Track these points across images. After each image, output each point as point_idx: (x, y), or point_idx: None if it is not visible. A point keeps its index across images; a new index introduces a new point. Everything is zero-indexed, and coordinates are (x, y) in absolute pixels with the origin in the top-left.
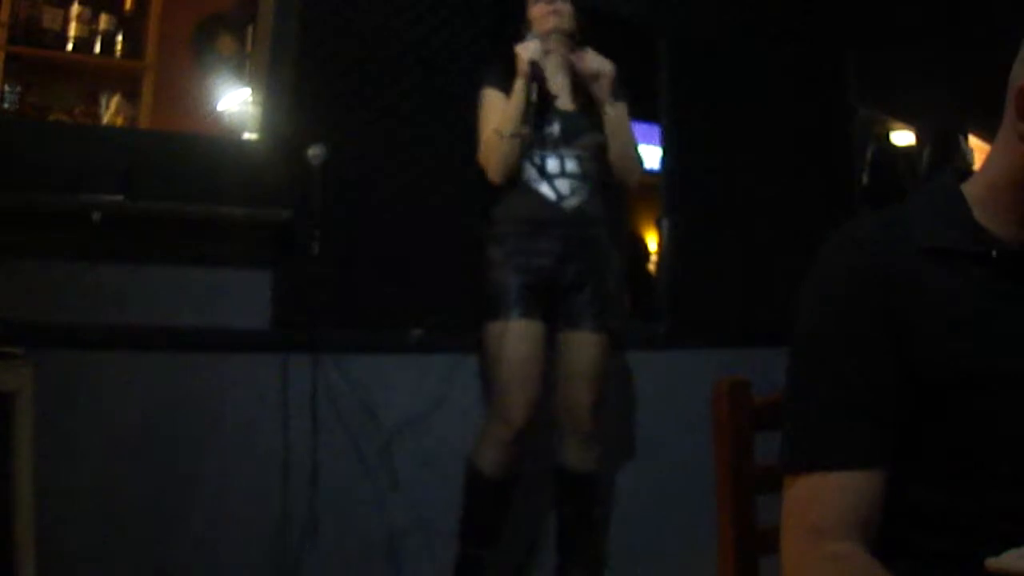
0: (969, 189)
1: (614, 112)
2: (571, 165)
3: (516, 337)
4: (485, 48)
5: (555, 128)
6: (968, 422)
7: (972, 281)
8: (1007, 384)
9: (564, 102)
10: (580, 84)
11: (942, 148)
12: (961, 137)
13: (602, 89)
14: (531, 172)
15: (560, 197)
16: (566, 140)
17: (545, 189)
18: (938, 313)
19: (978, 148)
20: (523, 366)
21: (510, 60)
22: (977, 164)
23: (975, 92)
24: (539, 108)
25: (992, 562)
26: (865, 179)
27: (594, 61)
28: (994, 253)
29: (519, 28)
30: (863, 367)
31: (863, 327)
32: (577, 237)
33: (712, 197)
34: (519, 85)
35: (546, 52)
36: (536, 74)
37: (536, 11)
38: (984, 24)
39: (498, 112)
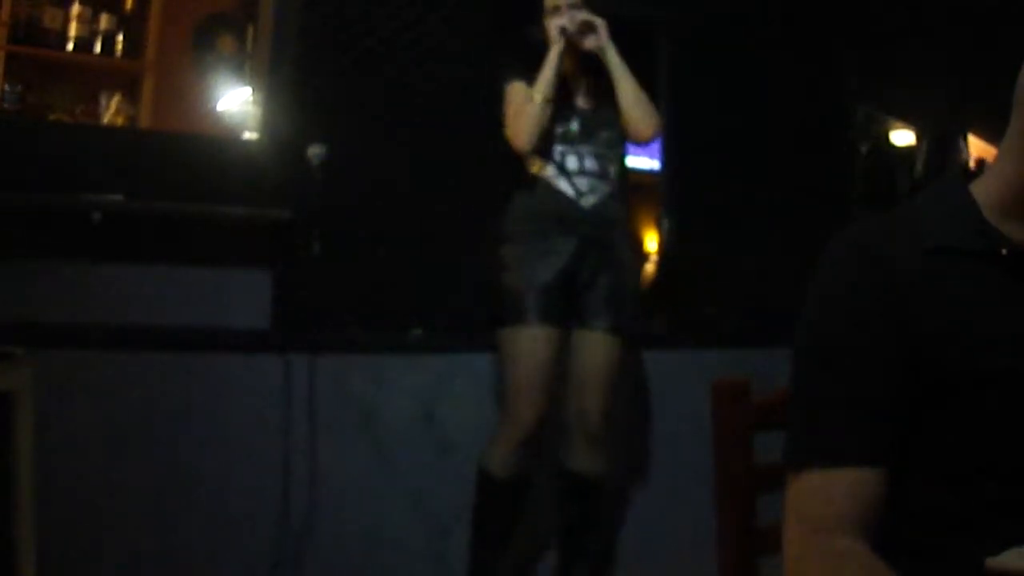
0: (978, 189)
1: (618, 57)
2: (590, 163)
3: (533, 342)
4: (486, 46)
5: (574, 125)
6: (972, 421)
7: (980, 280)
8: (1013, 383)
9: (582, 101)
10: (596, 83)
11: (940, 149)
12: (960, 138)
13: (600, 37)
14: (550, 169)
15: (579, 194)
16: (585, 137)
17: (564, 186)
18: (945, 312)
19: (978, 148)
20: (538, 371)
21: (525, 53)
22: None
23: (975, 92)
24: (559, 105)
25: (992, 561)
26: (859, 180)
27: (587, 16)
28: (1004, 252)
29: (530, 26)
30: (867, 365)
31: (868, 326)
32: (595, 235)
33: (712, 197)
34: (553, 52)
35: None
36: (569, 39)
37: (548, 11)
38: (984, 24)
39: (521, 94)
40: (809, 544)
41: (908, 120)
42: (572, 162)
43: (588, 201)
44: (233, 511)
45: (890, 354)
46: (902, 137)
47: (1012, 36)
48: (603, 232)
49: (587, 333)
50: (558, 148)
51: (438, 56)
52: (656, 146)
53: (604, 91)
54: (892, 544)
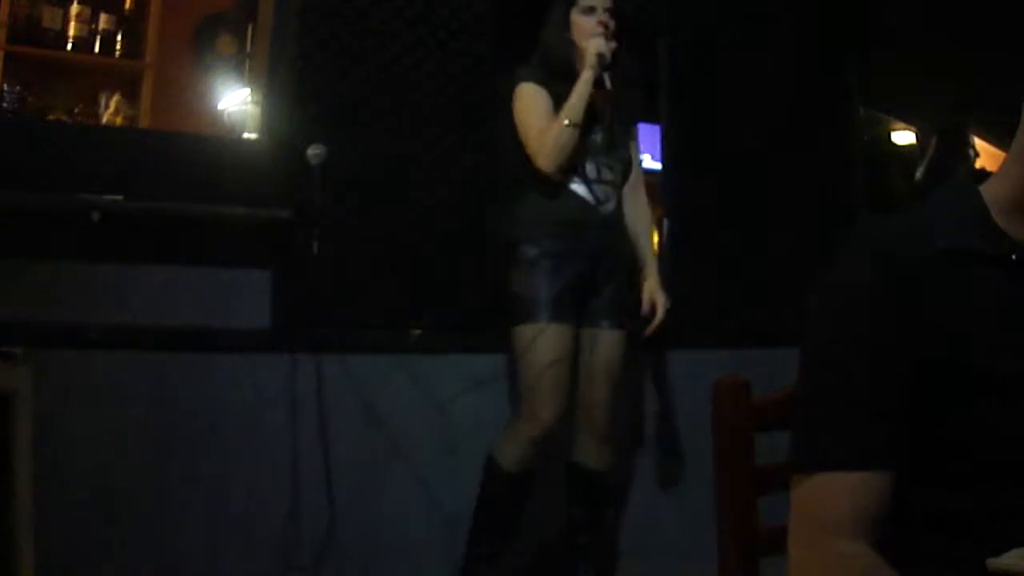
0: (988, 191)
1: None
2: (607, 173)
3: (549, 341)
4: (487, 45)
5: (599, 136)
6: (978, 424)
7: (989, 283)
8: (1018, 387)
9: (606, 114)
10: (617, 95)
11: (950, 148)
12: (968, 139)
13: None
14: (570, 175)
15: (598, 201)
16: (606, 149)
17: (584, 192)
18: (953, 315)
19: (982, 149)
20: (555, 370)
21: (544, 57)
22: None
23: (977, 92)
24: (587, 116)
25: (993, 562)
26: (861, 181)
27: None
28: (1014, 256)
29: (557, 30)
30: (874, 368)
31: (875, 328)
32: (607, 241)
33: (712, 197)
34: (587, 76)
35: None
36: (603, 66)
37: (586, 25)
38: (986, 24)
39: (541, 104)
40: (814, 546)
41: (909, 120)
42: (592, 171)
43: (606, 209)
44: (233, 511)
45: (897, 356)
46: (902, 137)
47: (1016, 37)
48: (614, 237)
49: (595, 331)
50: (582, 156)
51: (438, 56)
52: (656, 146)
53: (625, 104)
54: (895, 547)
